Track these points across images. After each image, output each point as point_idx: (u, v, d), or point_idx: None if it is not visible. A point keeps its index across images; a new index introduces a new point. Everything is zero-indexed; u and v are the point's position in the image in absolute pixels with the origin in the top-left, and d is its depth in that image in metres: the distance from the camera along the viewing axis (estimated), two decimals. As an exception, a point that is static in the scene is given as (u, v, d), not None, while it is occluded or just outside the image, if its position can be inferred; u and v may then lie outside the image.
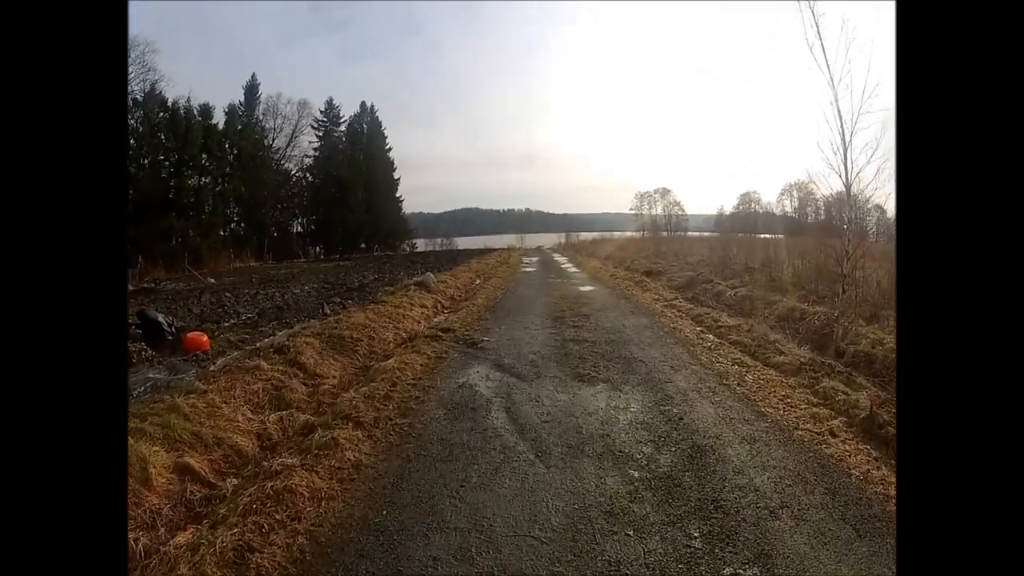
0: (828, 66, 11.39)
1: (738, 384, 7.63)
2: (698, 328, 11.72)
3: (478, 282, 22.44)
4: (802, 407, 6.61)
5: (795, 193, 78.24)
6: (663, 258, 33.44)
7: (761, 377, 7.94)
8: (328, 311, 13.75)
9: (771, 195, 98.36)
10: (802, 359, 8.58)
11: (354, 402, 6.71)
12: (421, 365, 8.62)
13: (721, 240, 39.68)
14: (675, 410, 6.63)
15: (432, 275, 18.83)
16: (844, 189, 11.87)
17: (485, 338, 10.70)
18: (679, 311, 13.98)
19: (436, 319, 13.47)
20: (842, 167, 11.53)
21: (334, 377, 8.37)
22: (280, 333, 10.83)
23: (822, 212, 78.78)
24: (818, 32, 11.49)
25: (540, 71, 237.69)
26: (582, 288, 19.74)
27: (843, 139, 11.34)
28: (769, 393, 7.20)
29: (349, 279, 23.85)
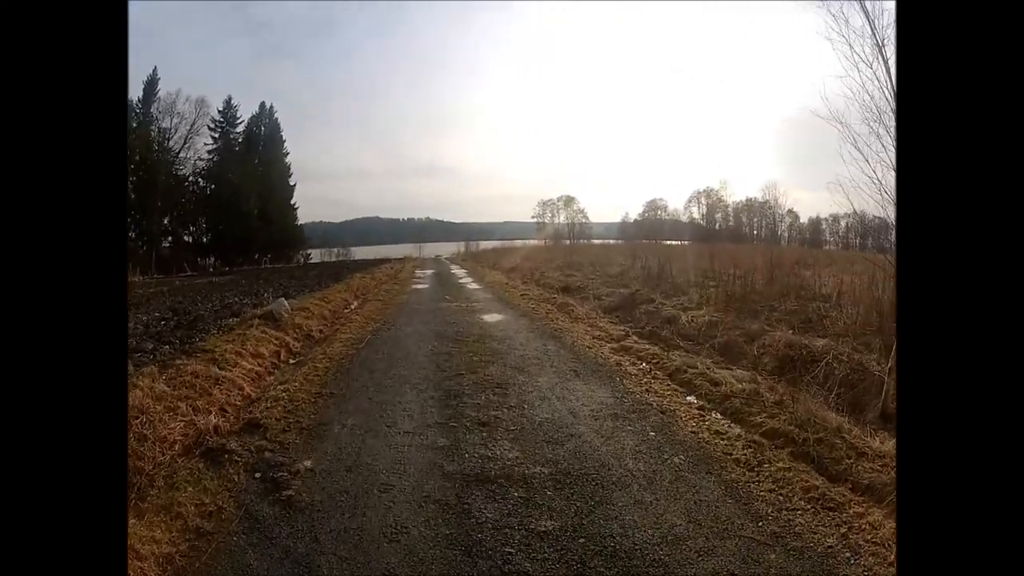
0: (885, 60, 7.72)
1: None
2: (695, 402, 6.73)
3: (353, 305, 16.54)
4: None
5: (703, 200, 77.84)
6: (578, 269, 27.29)
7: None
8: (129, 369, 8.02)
9: (678, 202, 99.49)
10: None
11: None
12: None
13: (636, 248, 34.91)
14: None
15: (285, 303, 12.52)
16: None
17: (306, 462, 5.11)
18: (640, 359, 8.75)
19: (267, 380, 8.16)
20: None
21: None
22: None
23: (731, 219, 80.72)
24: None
25: (457, 77, 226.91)
26: (487, 317, 13.59)
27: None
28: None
29: (201, 304, 17.27)
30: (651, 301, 14.49)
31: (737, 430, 5.79)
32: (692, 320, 11.92)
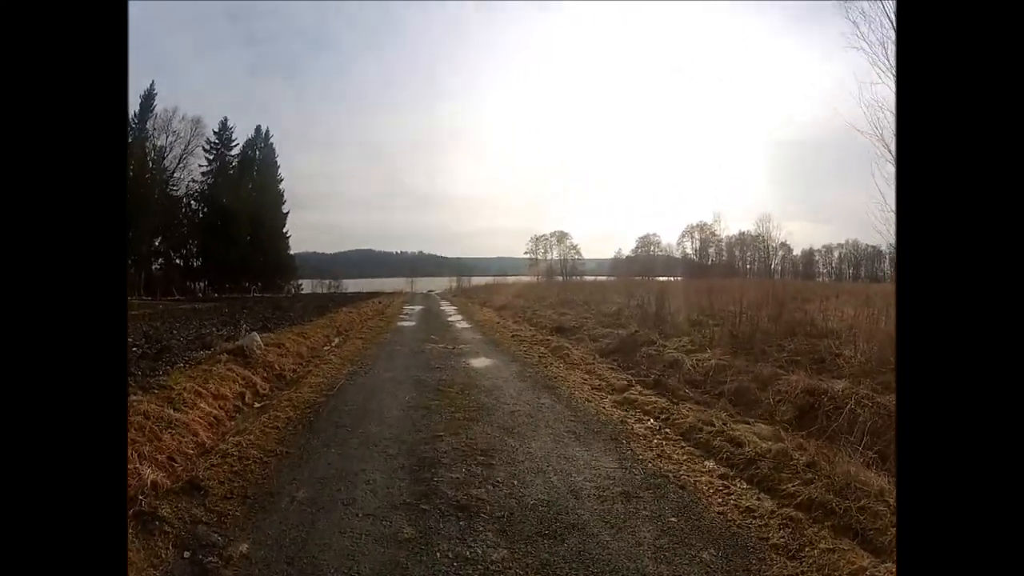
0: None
1: None
2: (716, 469, 5.65)
3: (335, 342, 15.44)
4: None
5: (696, 235, 77.89)
6: (571, 308, 25.77)
7: None
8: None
9: (671, 237, 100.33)
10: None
11: None
12: None
13: (630, 285, 33.77)
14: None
15: (258, 338, 11.47)
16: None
17: (243, 545, 4.10)
18: (647, 414, 7.60)
19: (227, 426, 7.18)
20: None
21: None
22: None
23: (724, 253, 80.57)
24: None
25: (449, 109, 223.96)
26: (474, 362, 12.20)
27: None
28: None
29: (177, 332, 15.80)
30: (651, 343, 13.28)
31: (769, 503, 4.79)
32: (697, 364, 10.75)
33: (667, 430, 6.81)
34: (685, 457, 5.93)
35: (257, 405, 8.29)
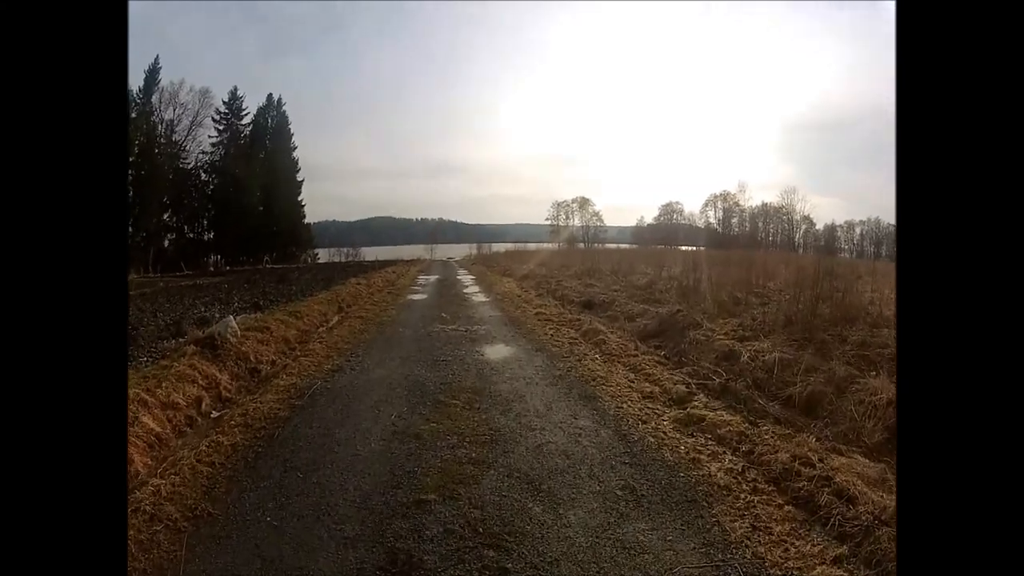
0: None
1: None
2: (830, 550, 3.75)
3: (333, 321, 13.52)
4: None
5: (719, 204, 76.64)
6: (598, 278, 23.47)
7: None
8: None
9: (693, 205, 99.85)
10: None
11: None
12: None
13: (657, 254, 31.94)
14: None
15: (233, 323, 9.60)
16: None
17: None
18: (723, 444, 5.59)
19: (173, 444, 5.69)
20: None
21: None
22: None
23: (747, 224, 79.09)
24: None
25: (468, 74, 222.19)
26: (490, 352, 9.86)
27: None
28: None
29: (158, 316, 14.16)
30: (697, 325, 11.21)
31: None
32: (756, 356, 8.82)
33: (753, 474, 4.85)
34: (788, 528, 4.00)
35: (215, 414, 6.59)
